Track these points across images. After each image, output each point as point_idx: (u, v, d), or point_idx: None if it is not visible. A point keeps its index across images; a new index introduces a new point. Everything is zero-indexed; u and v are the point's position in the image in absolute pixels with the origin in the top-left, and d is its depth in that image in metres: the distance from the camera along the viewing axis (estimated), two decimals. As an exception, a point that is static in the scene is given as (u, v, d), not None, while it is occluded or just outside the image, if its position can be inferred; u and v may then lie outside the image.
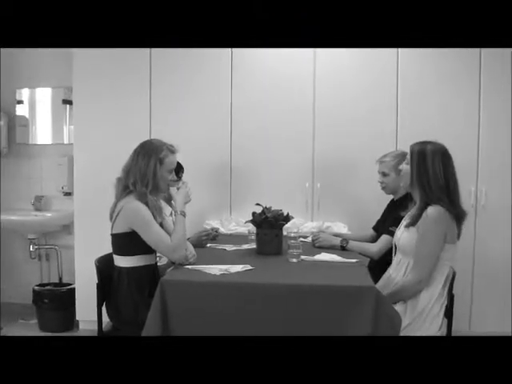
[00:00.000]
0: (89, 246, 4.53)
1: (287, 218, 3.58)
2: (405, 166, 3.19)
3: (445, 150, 3.09)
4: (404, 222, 3.20)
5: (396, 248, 3.27)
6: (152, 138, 3.69)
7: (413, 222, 3.07)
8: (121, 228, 3.17)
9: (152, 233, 3.10)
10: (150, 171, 3.19)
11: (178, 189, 3.38)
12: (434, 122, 4.49)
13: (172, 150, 3.29)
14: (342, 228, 4.41)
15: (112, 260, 3.27)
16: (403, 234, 3.15)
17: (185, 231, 3.18)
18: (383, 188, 3.93)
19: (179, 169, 3.93)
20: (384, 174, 3.87)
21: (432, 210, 2.98)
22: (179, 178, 3.91)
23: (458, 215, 3.04)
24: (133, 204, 3.13)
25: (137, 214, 3.12)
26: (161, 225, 3.21)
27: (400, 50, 4.53)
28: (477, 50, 4.46)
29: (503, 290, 4.57)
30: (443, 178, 3.02)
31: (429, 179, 3.03)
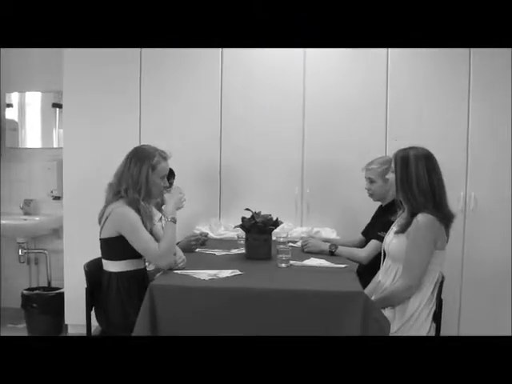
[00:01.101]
0: (78, 251, 4.52)
1: (276, 223, 3.59)
2: (391, 175, 3.19)
3: (428, 154, 3.09)
4: (394, 229, 3.19)
5: (385, 254, 3.28)
6: (142, 142, 3.69)
7: (402, 230, 3.07)
8: (109, 232, 3.16)
9: (140, 238, 3.09)
10: (142, 177, 3.18)
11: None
12: (423, 125, 4.51)
13: (164, 157, 3.28)
14: (330, 233, 4.42)
15: (101, 264, 3.27)
16: (393, 241, 3.15)
17: (174, 238, 3.17)
18: (370, 195, 3.93)
19: (170, 175, 3.94)
20: (371, 181, 3.87)
21: (422, 218, 2.97)
22: (170, 183, 3.91)
23: (446, 220, 3.04)
24: (121, 209, 3.12)
25: (125, 219, 3.11)
26: (151, 231, 3.21)
27: (390, 50, 4.54)
28: (466, 50, 4.47)
29: (492, 295, 4.59)
30: (428, 182, 3.01)
31: (411, 186, 3.02)
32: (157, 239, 3.15)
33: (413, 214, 3.02)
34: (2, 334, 4.77)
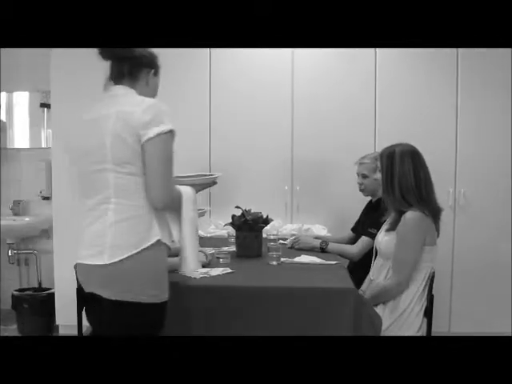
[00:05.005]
0: (68, 251, 4.46)
1: (267, 221, 3.58)
2: (378, 175, 3.21)
3: (414, 150, 3.11)
4: (385, 227, 3.21)
5: (376, 251, 3.28)
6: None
7: (392, 227, 3.08)
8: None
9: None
10: None
11: None
12: (412, 122, 4.53)
13: None
14: (321, 230, 4.42)
15: (91, 264, 3.24)
16: (384, 239, 3.15)
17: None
18: (362, 190, 3.93)
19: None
20: (363, 176, 3.87)
21: (410, 215, 2.98)
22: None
23: (434, 215, 3.05)
24: None
25: None
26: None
27: (378, 50, 4.56)
28: (454, 50, 4.50)
29: (482, 291, 4.61)
30: (413, 178, 3.02)
31: (394, 186, 3.04)
32: None
33: (401, 212, 3.03)
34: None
